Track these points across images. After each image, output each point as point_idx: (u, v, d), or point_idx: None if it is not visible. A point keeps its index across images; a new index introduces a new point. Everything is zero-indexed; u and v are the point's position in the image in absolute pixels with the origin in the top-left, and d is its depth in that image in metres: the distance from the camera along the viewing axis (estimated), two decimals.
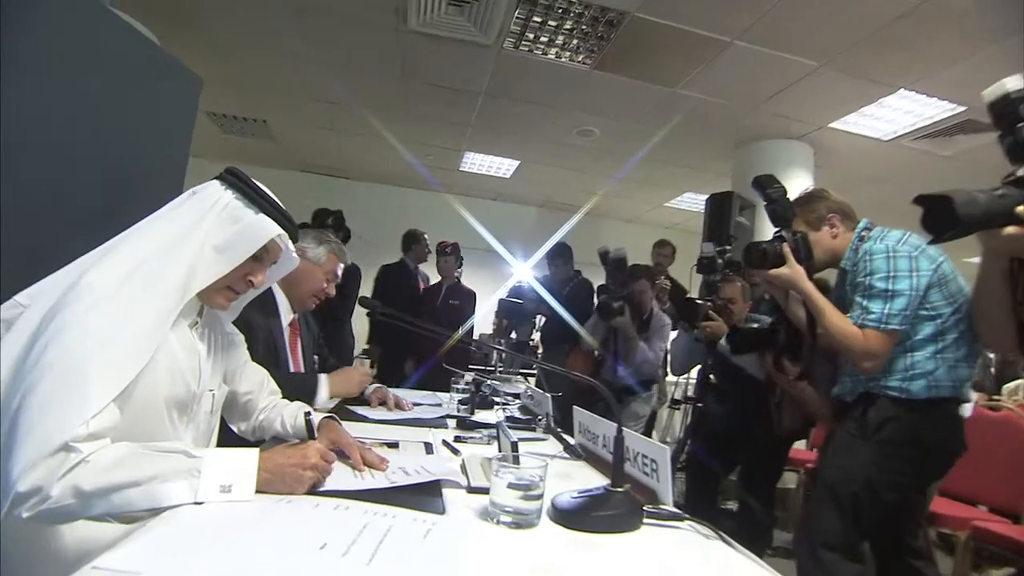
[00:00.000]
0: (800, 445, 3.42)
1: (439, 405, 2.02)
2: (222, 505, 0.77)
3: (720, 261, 2.48)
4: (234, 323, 1.58)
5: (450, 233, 4.61)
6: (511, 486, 0.84)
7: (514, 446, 1.04)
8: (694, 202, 6.04)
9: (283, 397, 1.36)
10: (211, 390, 1.11)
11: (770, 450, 2.34)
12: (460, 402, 1.96)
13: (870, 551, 1.57)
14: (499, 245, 5.33)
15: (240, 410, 1.27)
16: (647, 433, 3.30)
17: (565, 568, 0.72)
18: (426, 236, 4.33)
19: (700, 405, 2.51)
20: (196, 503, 0.77)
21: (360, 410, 1.75)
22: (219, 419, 1.18)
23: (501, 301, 4.20)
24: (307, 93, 4.49)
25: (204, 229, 0.98)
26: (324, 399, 1.63)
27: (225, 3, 3.41)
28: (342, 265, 1.85)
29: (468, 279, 5.12)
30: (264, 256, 1.07)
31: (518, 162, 5.61)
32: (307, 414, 1.14)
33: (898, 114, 3.73)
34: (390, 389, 1.93)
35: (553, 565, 0.73)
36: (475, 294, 4.11)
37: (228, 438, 1.25)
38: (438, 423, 1.71)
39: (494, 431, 1.55)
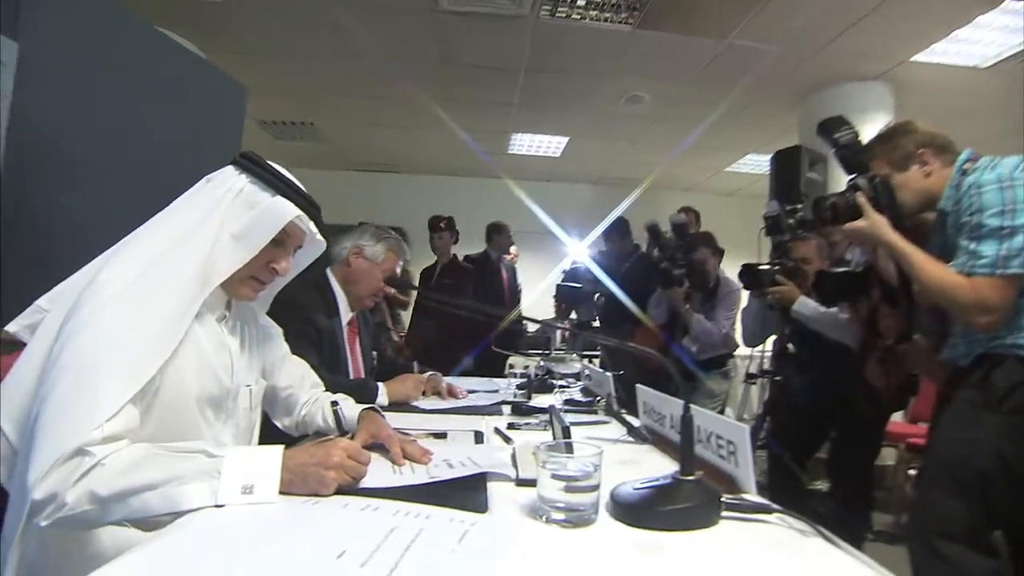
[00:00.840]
0: (897, 417, 3.09)
1: (496, 391, 1.94)
2: (240, 509, 0.71)
3: (790, 221, 2.23)
4: (299, 325, 1.57)
5: (504, 217, 4.52)
6: (558, 477, 0.73)
7: (566, 431, 0.92)
8: (758, 164, 5.63)
9: None
10: (248, 385, 1.07)
11: (866, 423, 2.08)
12: (518, 387, 1.87)
13: (1005, 542, 1.33)
14: (554, 225, 5.14)
15: (282, 405, 1.23)
16: (721, 412, 3.08)
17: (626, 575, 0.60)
18: (509, 226, 4.29)
19: (778, 379, 2.29)
20: (217, 506, 0.71)
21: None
22: (260, 415, 1.14)
23: (559, 287, 4.07)
24: (349, 90, 4.51)
25: (219, 217, 0.93)
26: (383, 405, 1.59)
27: (262, 11, 3.46)
28: (402, 263, 1.79)
29: (525, 262, 5.03)
30: (286, 241, 1.01)
31: (567, 139, 5.42)
32: (334, 403, 1.08)
33: (1000, 33, 3.23)
34: (445, 377, 1.86)
35: (611, 572, 0.61)
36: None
37: (273, 434, 1.21)
38: (492, 410, 1.63)
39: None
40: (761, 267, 2.19)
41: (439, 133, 5.38)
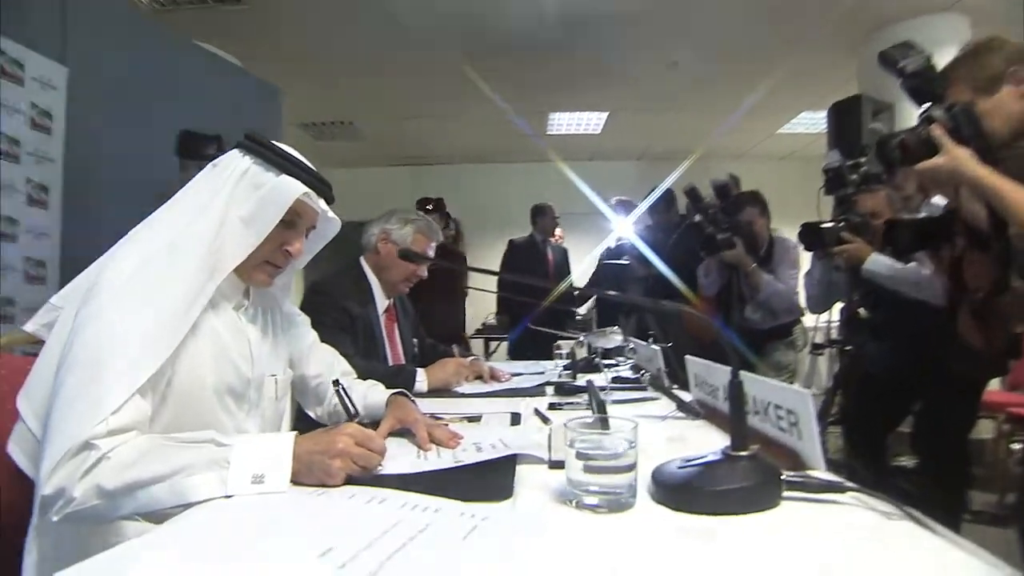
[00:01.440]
0: (994, 385, 2.77)
1: (541, 373, 1.86)
2: (240, 503, 0.66)
3: (854, 176, 2.01)
4: (333, 314, 1.55)
5: (549, 199, 4.42)
6: (586, 457, 0.64)
7: (600, 406, 0.83)
8: (813, 123, 5.22)
9: None
10: (273, 375, 1.03)
11: (957, 392, 1.85)
12: (564, 367, 1.79)
13: None
14: (600, 201, 4.92)
15: (312, 394, 1.20)
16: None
17: (666, 570, 0.51)
18: (553, 207, 4.17)
19: (849, 348, 2.08)
20: (226, 497, 0.67)
21: None
22: (289, 405, 1.11)
23: (601, 265, 3.91)
24: (382, 85, 4.52)
25: (225, 201, 0.89)
26: (422, 391, 1.54)
27: (291, 13, 3.49)
28: (433, 244, 1.74)
29: (571, 244, 4.89)
30: (297, 221, 0.96)
31: (606, 113, 5.23)
32: (335, 382, 1.02)
33: None
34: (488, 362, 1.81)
35: (647, 562, 0.52)
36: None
37: (306, 425, 1.18)
38: (535, 392, 1.55)
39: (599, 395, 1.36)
40: (824, 225, 1.96)
41: (477, 120, 5.33)
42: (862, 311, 2.07)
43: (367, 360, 1.52)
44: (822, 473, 0.72)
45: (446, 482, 0.73)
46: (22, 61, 2.18)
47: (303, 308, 1.24)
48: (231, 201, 0.89)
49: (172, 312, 0.81)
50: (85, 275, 0.86)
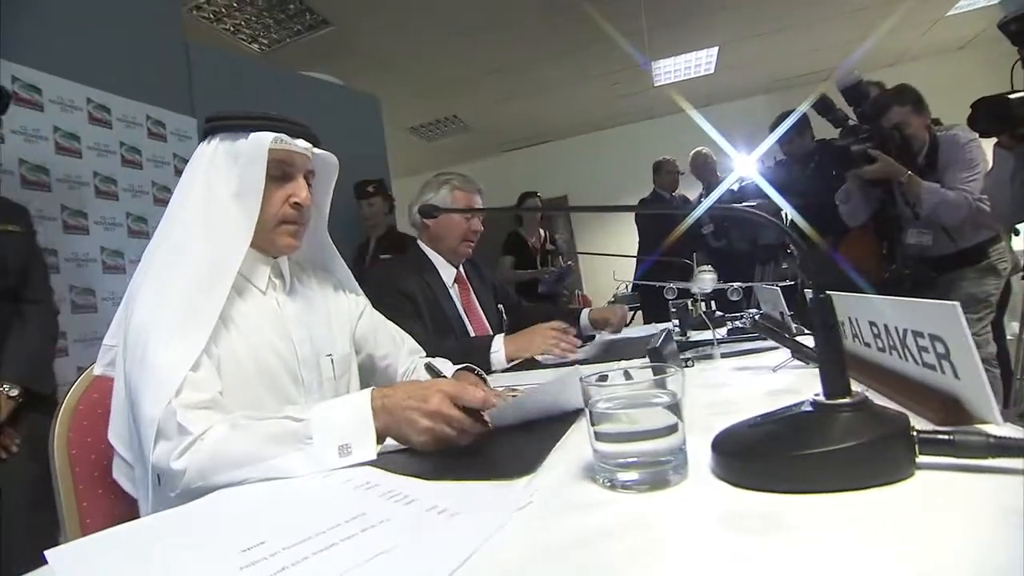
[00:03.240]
0: None
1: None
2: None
3: None
4: (393, 300, 1.52)
5: (669, 155, 4.02)
6: (605, 418, 0.48)
7: (653, 353, 0.65)
8: None
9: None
10: (328, 354, 0.99)
11: None
12: (677, 326, 1.58)
13: None
14: (726, 143, 4.35)
15: (382, 376, 1.16)
16: (997, 327, 2.24)
17: None
18: (675, 162, 3.85)
19: None
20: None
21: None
22: (356, 383, 1.07)
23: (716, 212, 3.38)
24: (474, 71, 4.50)
25: (205, 186, 0.87)
26: (501, 364, 1.44)
27: (375, 21, 3.60)
28: (476, 196, 1.66)
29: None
30: (289, 171, 0.92)
31: (716, 48, 4.64)
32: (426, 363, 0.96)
33: None
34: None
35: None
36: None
37: None
38: (632, 353, 1.36)
39: (707, 350, 1.14)
40: (1012, 97, 1.42)
41: (576, 90, 5.09)
42: None
43: (442, 338, 1.46)
44: (998, 426, 0.47)
45: (456, 465, 0.61)
46: (163, 120, 2.51)
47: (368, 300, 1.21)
48: (212, 182, 0.87)
49: (197, 296, 0.80)
50: (121, 308, 0.88)
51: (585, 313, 1.80)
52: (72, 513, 0.82)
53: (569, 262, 3.94)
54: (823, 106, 2.05)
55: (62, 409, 0.87)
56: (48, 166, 1.96)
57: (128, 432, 0.79)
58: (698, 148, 3.86)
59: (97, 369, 0.91)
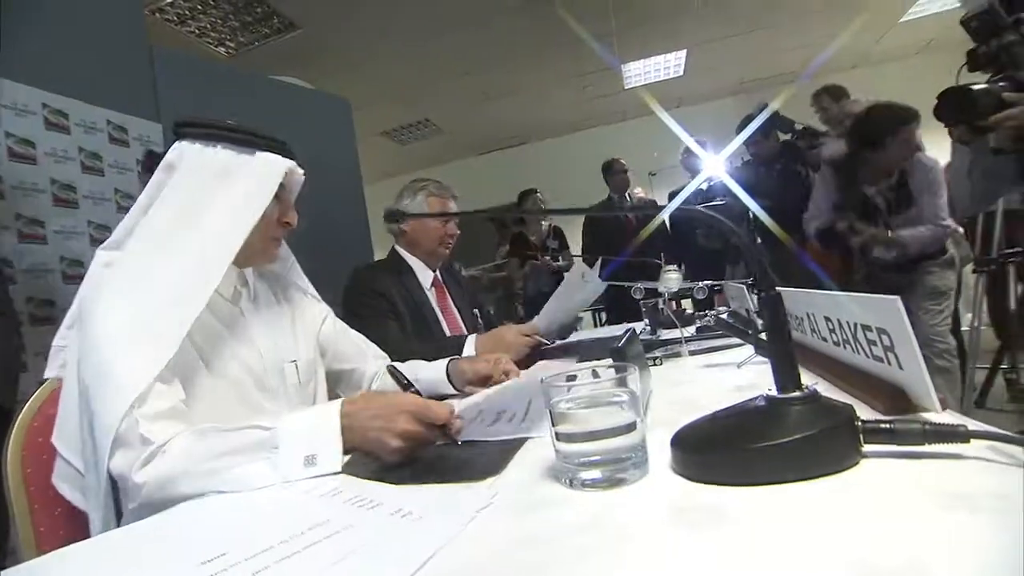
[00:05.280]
0: None
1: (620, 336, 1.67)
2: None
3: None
4: (371, 301, 1.52)
5: (641, 159, 4.08)
6: (565, 419, 0.48)
7: (616, 353, 0.66)
8: None
9: None
10: (292, 360, 0.98)
11: None
12: (647, 326, 1.61)
13: None
14: (695, 144, 4.39)
15: (346, 382, 1.15)
16: (953, 319, 2.32)
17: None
18: (622, 161, 3.85)
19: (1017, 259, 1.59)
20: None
21: None
22: (322, 389, 1.06)
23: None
24: (446, 74, 4.48)
25: (205, 192, 0.85)
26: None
27: (342, 24, 3.57)
28: (450, 201, 1.67)
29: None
30: (287, 196, 0.96)
31: (684, 51, 4.73)
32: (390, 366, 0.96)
33: None
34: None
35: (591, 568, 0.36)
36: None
37: None
38: (597, 354, 1.37)
39: (676, 348, 1.16)
40: (975, 88, 1.35)
41: (549, 92, 5.12)
42: None
43: (421, 341, 1.46)
44: (937, 413, 0.49)
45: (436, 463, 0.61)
46: (125, 126, 2.44)
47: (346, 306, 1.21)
48: (209, 190, 0.85)
49: (170, 309, 0.78)
50: (75, 306, 0.85)
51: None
52: (28, 535, 0.79)
53: (574, 255, 3.97)
54: (773, 121, 2.09)
55: (15, 426, 0.83)
56: (0, 173, 1.89)
57: (79, 438, 0.76)
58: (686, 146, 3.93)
59: (49, 372, 0.88)
